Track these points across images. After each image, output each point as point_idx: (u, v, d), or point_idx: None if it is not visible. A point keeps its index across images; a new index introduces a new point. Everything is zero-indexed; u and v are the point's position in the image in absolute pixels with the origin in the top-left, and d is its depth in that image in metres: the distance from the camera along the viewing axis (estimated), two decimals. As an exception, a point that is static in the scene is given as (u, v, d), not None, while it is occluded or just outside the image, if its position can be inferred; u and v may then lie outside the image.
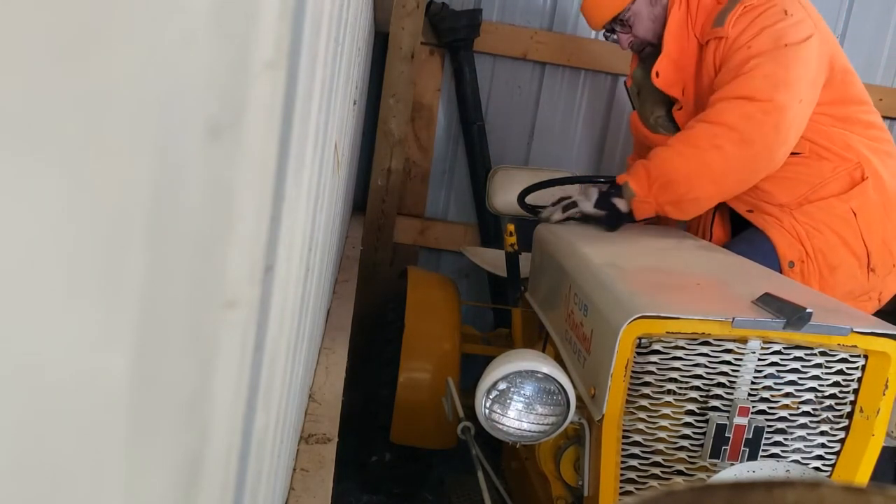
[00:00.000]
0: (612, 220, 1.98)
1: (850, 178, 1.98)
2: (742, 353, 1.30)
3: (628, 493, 1.34)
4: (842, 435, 1.35)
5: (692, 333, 1.28)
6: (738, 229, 2.16)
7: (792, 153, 1.91)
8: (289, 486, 1.02)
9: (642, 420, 1.33)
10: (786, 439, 1.34)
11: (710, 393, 1.31)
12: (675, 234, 2.08)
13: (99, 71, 0.24)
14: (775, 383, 1.32)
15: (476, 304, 3.04)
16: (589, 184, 2.23)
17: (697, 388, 1.31)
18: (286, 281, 0.71)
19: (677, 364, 1.30)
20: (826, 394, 1.34)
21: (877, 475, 1.39)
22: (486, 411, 1.37)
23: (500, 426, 1.38)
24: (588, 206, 2.00)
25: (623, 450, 1.33)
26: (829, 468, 1.36)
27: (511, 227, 2.21)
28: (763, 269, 1.67)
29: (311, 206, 0.86)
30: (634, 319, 1.24)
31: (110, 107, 0.26)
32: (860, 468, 1.35)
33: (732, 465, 1.29)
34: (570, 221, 2.08)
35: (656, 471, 1.34)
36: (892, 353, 1.29)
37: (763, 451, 1.31)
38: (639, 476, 1.34)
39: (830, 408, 1.35)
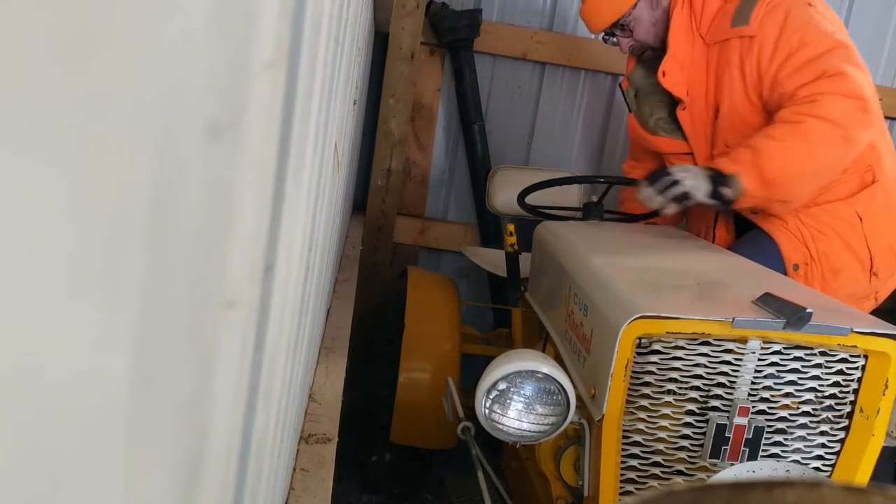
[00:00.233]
0: (717, 207, 1.95)
1: (861, 181, 1.98)
2: (742, 353, 1.30)
3: (628, 493, 1.34)
4: (842, 435, 1.35)
5: (692, 333, 1.28)
6: (740, 231, 2.16)
7: None
8: (289, 486, 1.02)
9: (642, 420, 1.33)
10: (786, 439, 1.34)
11: (710, 393, 1.31)
12: (675, 234, 2.08)
13: (99, 71, 0.24)
14: (775, 383, 1.32)
15: (476, 304, 3.04)
16: (690, 166, 2.01)
17: (697, 388, 1.31)
18: (286, 281, 0.71)
19: (677, 364, 1.30)
20: (826, 394, 1.34)
21: (877, 475, 1.39)
22: (486, 411, 1.37)
23: (500, 426, 1.38)
24: (701, 195, 1.86)
25: (623, 450, 1.33)
26: (829, 468, 1.36)
27: (511, 227, 2.21)
28: (763, 269, 1.67)
29: (311, 206, 0.86)
30: (634, 319, 1.24)
31: (110, 107, 0.26)
32: (860, 468, 1.35)
33: (732, 465, 1.29)
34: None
35: (656, 471, 1.34)
36: (892, 353, 1.29)
37: (763, 451, 1.31)
38: (639, 476, 1.34)
39: (830, 408, 1.35)
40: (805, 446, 1.35)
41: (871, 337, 1.29)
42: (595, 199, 2.25)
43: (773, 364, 1.31)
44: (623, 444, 1.33)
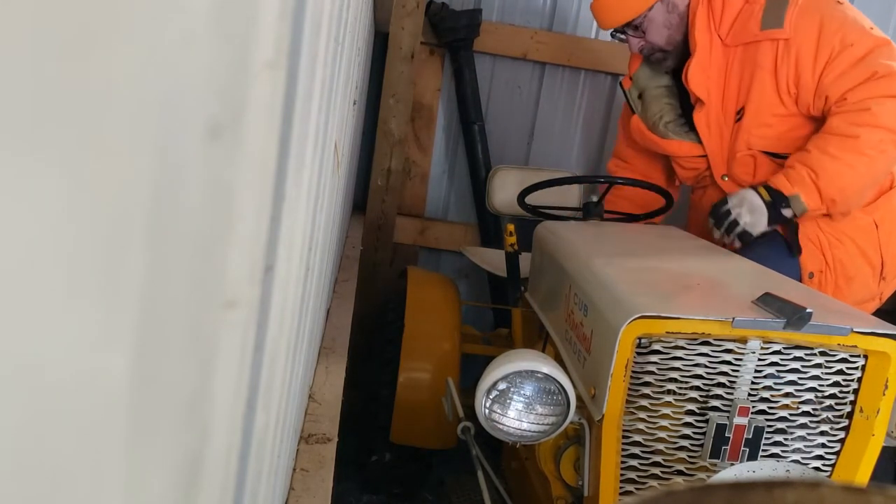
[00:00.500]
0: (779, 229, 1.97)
1: (879, 188, 1.98)
2: (742, 353, 1.30)
3: (628, 493, 1.34)
4: (842, 435, 1.35)
5: (692, 333, 1.28)
6: None
7: None
8: (289, 486, 1.02)
9: (642, 420, 1.33)
10: (786, 439, 1.34)
11: (710, 393, 1.31)
12: (675, 234, 2.08)
13: (99, 71, 0.24)
14: (775, 383, 1.32)
15: (476, 304, 3.04)
16: (745, 193, 1.98)
17: (697, 388, 1.31)
18: (286, 281, 0.71)
19: (677, 364, 1.30)
20: (826, 394, 1.34)
21: (877, 475, 1.39)
22: (486, 411, 1.37)
23: (500, 426, 1.38)
24: (760, 228, 1.92)
25: (623, 450, 1.33)
26: (829, 468, 1.36)
27: (511, 227, 2.21)
28: (763, 269, 1.67)
29: (311, 206, 0.86)
30: (634, 319, 1.24)
31: (110, 107, 0.26)
32: (860, 468, 1.35)
33: (732, 465, 1.29)
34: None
35: (656, 471, 1.34)
36: (892, 353, 1.29)
37: (763, 451, 1.31)
38: (639, 476, 1.34)
39: (830, 408, 1.35)
40: (805, 446, 1.35)
41: (871, 337, 1.29)
42: (595, 199, 2.24)
43: (773, 364, 1.31)
44: (623, 444, 1.33)
